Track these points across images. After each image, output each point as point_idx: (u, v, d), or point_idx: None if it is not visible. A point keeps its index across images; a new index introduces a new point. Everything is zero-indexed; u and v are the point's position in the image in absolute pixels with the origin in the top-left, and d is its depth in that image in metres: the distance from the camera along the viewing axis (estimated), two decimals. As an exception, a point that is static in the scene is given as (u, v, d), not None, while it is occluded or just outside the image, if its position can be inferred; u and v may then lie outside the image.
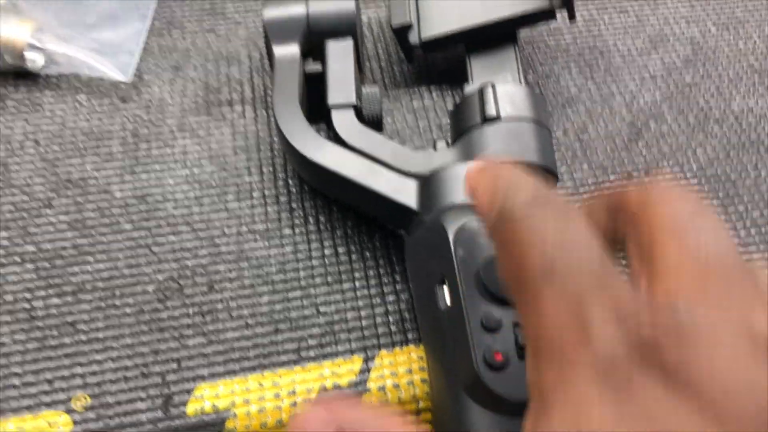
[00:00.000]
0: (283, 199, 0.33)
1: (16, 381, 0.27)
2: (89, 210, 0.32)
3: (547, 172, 0.30)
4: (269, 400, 0.27)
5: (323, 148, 0.31)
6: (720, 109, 0.39)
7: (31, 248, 0.30)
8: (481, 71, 0.35)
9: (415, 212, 0.29)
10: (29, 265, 0.30)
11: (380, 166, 0.30)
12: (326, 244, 0.32)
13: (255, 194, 0.33)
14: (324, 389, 0.27)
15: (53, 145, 0.34)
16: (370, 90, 0.33)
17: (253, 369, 0.28)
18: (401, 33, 0.36)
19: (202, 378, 0.27)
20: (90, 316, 0.29)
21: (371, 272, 0.31)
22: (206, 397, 0.27)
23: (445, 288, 0.25)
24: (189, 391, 0.27)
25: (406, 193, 0.29)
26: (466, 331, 0.24)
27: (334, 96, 0.33)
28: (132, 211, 0.32)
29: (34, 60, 0.36)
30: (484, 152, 0.30)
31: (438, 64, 0.39)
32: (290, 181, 0.33)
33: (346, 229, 0.32)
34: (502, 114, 0.30)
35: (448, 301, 0.25)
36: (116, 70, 0.36)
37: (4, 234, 0.31)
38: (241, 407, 0.27)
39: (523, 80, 0.34)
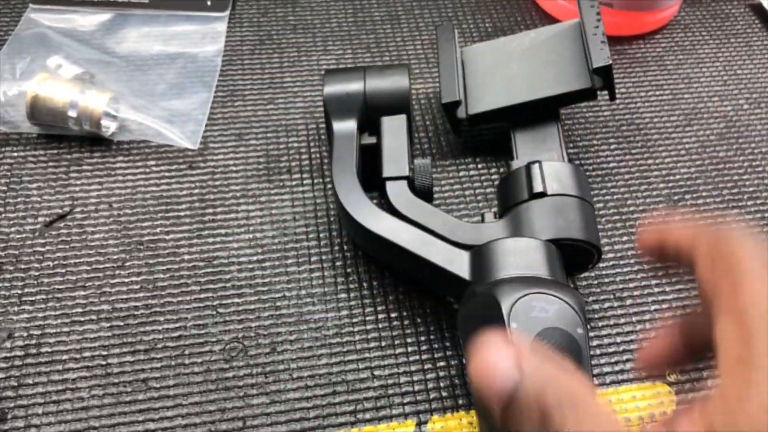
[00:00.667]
0: (338, 263, 0.35)
1: (94, 435, 0.29)
2: (159, 272, 0.34)
3: (592, 246, 0.32)
4: (329, 460, 0.29)
5: (379, 217, 0.33)
6: (754, 184, 0.40)
7: (106, 307, 0.33)
8: (525, 146, 0.38)
9: (468, 282, 0.30)
10: (105, 324, 0.32)
11: (432, 236, 0.32)
12: (380, 309, 0.33)
13: (313, 258, 0.35)
14: (379, 450, 0.29)
15: (125, 208, 0.36)
16: (422, 162, 0.35)
17: (313, 429, 0.30)
18: (451, 108, 0.38)
19: (266, 437, 0.29)
20: (161, 373, 0.31)
21: (422, 338, 0.33)
22: (270, 456, 0.29)
23: None
24: (254, 449, 0.29)
25: (459, 264, 0.31)
26: None
27: (388, 169, 0.35)
28: (199, 273, 0.34)
29: (109, 127, 0.38)
30: (531, 226, 0.32)
31: (483, 137, 0.42)
32: (345, 247, 0.36)
33: (398, 295, 0.34)
34: (548, 191, 0.32)
35: None
36: (184, 138, 0.39)
37: (81, 293, 0.33)
38: (302, 466, 0.28)
39: (566, 156, 0.37)
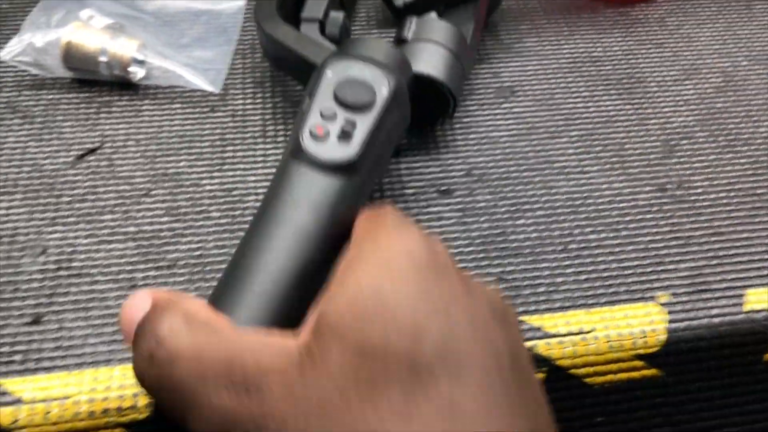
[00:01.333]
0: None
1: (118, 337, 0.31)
2: (182, 200, 0.36)
3: (449, 92, 0.37)
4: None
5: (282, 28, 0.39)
6: (749, 131, 0.42)
7: (132, 229, 0.35)
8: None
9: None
10: (131, 243, 0.35)
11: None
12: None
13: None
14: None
15: (151, 144, 0.39)
16: (336, 14, 0.41)
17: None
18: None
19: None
20: (183, 287, 0.33)
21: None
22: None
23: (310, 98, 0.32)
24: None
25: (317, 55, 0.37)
26: (308, 115, 0.30)
27: (307, 10, 0.41)
28: (219, 202, 0.36)
29: (137, 72, 0.41)
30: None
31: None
32: (356, 182, 0.38)
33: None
34: (410, 37, 0.39)
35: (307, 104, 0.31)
36: (207, 83, 0.41)
37: (109, 216, 0.36)
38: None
39: (471, 35, 0.41)
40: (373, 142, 0.30)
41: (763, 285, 0.34)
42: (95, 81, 0.41)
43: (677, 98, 0.44)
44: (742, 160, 0.40)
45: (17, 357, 0.30)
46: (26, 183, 0.37)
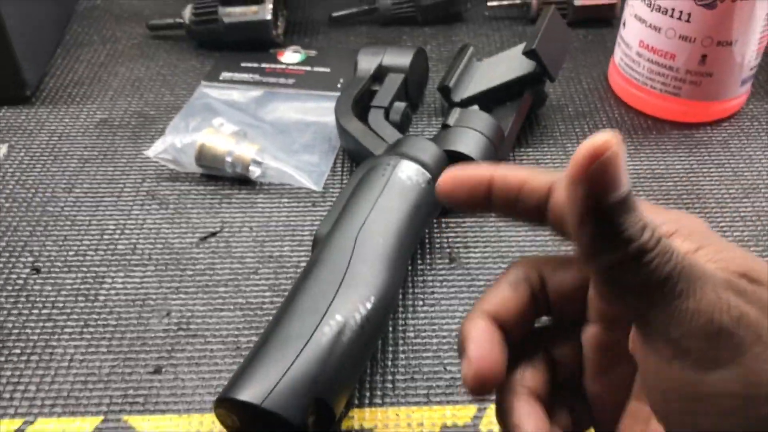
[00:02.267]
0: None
1: (224, 389, 0.37)
2: (283, 278, 0.43)
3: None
4: (403, 429, 0.36)
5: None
6: (802, 248, 0.45)
7: (241, 300, 0.42)
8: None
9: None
10: (239, 312, 0.41)
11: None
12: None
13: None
14: (445, 426, 0.36)
15: (262, 231, 0.46)
16: (398, 104, 0.51)
17: (393, 404, 0.37)
18: (442, 90, 0.53)
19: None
20: (277, 352, 0.39)
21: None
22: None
23: None
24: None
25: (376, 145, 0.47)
26: None
27: (375, 101, 0.51)
28: (313, 282, 0.43)
29: (255, 171, 0.49)
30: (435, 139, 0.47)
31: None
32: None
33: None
34: (452, 123, 0.48)
35: None
36: (311, 182, 0.48)
37: (223, 289, 0.42)
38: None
39: (510, 126, 0.49)
40: None
41: None
42: (221, 177, 0.50)
43: (734, 215, 0.47)
44: (793, 274, 0.43)
45: (140, 399, 0.37)
46: (158, 257, 0.44)
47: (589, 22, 0.66)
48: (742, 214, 0.47)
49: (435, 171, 0.43)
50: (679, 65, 0.52)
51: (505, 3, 0.67)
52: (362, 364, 0.36)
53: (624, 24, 0.55)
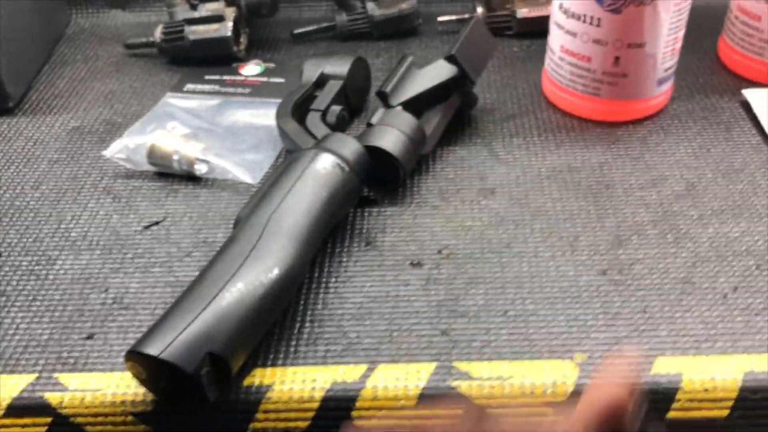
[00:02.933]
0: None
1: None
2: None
3: (398, 163, 0.50)
4: (298, 384, 0.40)
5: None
6: (697, 231, 0.48)
7: (172, 279, 0.46)
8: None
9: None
10: (169, 289, 0.46)
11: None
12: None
13: (322, 261, 0.47)
14: (335, 382, 0.40)
15: (200, 220, 0.51)
16: (335, 107, 0.56)
17: (292, 365, 0.41)
18: (380, 95, 0.56)
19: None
20: (198, 321, 0.43)
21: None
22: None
23: None
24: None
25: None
26: None
27: (315, 104, 0.56)
28: (239, 263, 0.47)
29: (200, 168, 0.54)
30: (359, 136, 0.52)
31: (475, 188, 0.53)
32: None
33: (378, 288, 0.45)
34: (375, 122, 0.52)
35: None
36: (249, 177, 0.53)
37: (157, 269, 0.47)
38: (278, 385, 0.40)
39: (436, 124, 0.54)
40: None
41: (674, 354, 0.40)
42: (170, 174, 0.55)
43: (638, 202, 0.51)
44: (684, 254, 0.46)
45: (71, 360, 0.41)
46: (104, 243, 0.49)
47: (533, 33, 0.70)
48: (647, 201, 0.51)
49: (353, 163, 0.48)
50: (595, 67, 0.56)
51: (454, 18, 0.72)
52: (261, 327, 0.40)
53: (549, 31, 0.59)
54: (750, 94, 0.59)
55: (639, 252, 0.47)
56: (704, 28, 0.68)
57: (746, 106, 0.60)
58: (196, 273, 0.46)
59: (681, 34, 0.56)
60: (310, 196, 0.45)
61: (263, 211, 0.44)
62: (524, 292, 0.44)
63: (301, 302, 0.44)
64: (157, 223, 0.51)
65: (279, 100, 0.62)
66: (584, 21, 0.54)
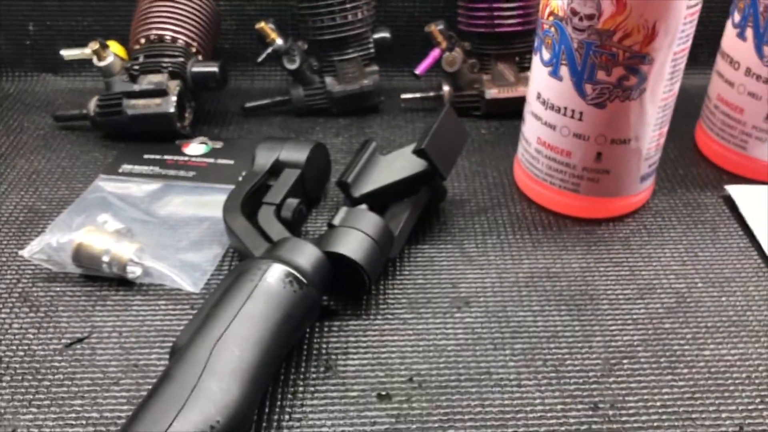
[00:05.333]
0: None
1: None
2: (144, 390, 0.41)
3: (363, 271, 0.44)
4: None
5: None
6: (692, 354, 0.43)
7: (95, 415, 0.39)
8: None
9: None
10: (90, 429, 0.38)
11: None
12: None
13: (274, 390, 0.41)
14: None
15: (131, 337, 0.44)
16: (291, 200, 0.50)
17: None
18: (341, 186, 0.52)
19: None
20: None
21: None
22: None
23: None
24: None
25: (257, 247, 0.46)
26: None
27: (267, 197, 0.50)
28: (176, 394, 0.40)
29: (134, 272, 0.47)
30: (319, 242, 0.45)
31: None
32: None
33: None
34: (337, 223, 0.46)
35: None
36: (189, 284, 0.47)
37: (78, 402, 0.40)
38: None
39: (404, 222, 0.49)
40: None
41: None
42: (99, 277, 0.48)
43: (626, 317, 0.46)
44: (681, 383, 0.42)
45: None
46: (16, 366, 0.42)
47: (501, 114, 0.66)
48: (635, 316, 0.46)
49: (312, 275, 0.42)
50: (575, 162, 0.51)
51: (418, 95, 0.67)
52: None
53: (524, 120, 0.55)
54: (734, 192, 0.56)
55: (632, 380, 0.42)
56: (680, 111, 0.64)
57: (729, 202, 0.56)
58: (125, 408, 0.39)
59: (666, 129, 0.52)
60: (260, 321, 0.39)
61: (204, 341, 0.37)
62: (508, 432, 0.39)
63: (249, 448, 0.38)
64: (80, 340, 0.44)
65: (226, 186, 0.56)
66: (565, 114, 0.50)
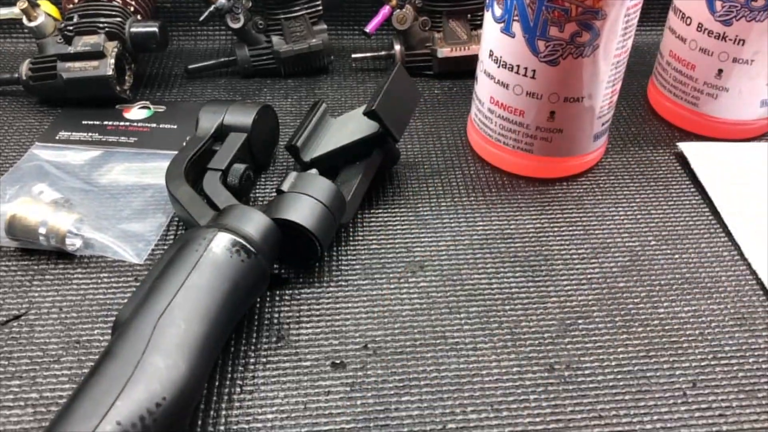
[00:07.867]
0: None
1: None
2: (87, 367, 0.39)
3: (315, 238, 0.42)
4: None
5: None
6: (647, 312, 0.43)
7: (35, 395, 0.37)
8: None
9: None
10: (29, 410, 0.37)
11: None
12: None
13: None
14: None
15: (72, 312, 0.42)
16: (238, 166, 0.48)
17: None
18: (290, 150, 0.51)
19: None
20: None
21: None
22: None
23: None
24: None
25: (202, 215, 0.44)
26: None
27: (212, 163, 0.48)
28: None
29: (73, 244, 0.45)
30: (268, 208, 0.43)
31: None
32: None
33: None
34: (287, 189, 0.44)
35: None
36: (133, 255, 0.45)
37: (16, 382, 0.38)
38: None
39: (356, 186, 0.47)
40: None
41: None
42: (36, 251, 0.45)
43: (581, 277, 0.46)
44: (635, 342, 0.42)
45: None
46: (-51, 347, 0.40)
47: (454, 74, 0.65)
48: (589, 276, 0.46)
49: (260, 244, 0.40)
50: (528, 122, 0.51)
51: (369, 55, 0.65)
52: None
53: (476, 79, 0.54)
54: (686, 149, 0.56)
55: (587, 340, 0.41)
56: (632, 69, 0.64)
57: (681, 159, 0.56)
58: (66, 387, 0.37)
59: (618, 86, 0.51)
60: (207, 293, 0.37)
61: (148, 315, 0.35)
62: (464, 397, 0.38)
63: (198, 427, 0.36)
64: (18, 317, 0.42)
65: (169, 152, 0.53)
66: (518, 72, 0.49)
